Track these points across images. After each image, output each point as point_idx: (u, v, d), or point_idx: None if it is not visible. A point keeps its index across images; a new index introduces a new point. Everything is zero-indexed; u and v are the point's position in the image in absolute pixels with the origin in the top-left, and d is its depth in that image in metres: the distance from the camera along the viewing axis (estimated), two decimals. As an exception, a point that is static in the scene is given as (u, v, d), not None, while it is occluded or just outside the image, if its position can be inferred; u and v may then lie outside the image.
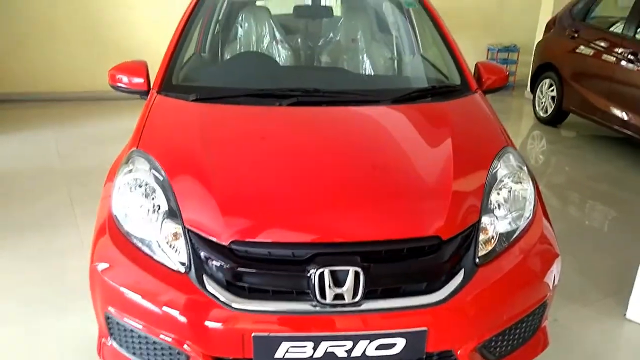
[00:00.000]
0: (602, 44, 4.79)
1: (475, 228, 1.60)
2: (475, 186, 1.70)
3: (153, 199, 1.64)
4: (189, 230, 1.54)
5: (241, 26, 3.10)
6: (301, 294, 1.46)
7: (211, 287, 1.48)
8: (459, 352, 1.54)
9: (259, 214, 1.56)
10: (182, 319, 1.48)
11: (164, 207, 1.61)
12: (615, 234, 3.35)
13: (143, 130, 1.94)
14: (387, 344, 1.47)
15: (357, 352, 1.46)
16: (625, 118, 4.47)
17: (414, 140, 1.97)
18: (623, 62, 4.48)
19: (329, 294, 1.43)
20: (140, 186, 1.68)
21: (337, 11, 3.49)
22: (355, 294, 1.43)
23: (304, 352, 1.45)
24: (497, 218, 1.66)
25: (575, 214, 3.74)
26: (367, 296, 1.45)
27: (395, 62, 2.97)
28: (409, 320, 1.48)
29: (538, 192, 1.86)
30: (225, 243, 1.48)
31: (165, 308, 1.50)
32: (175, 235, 1.56)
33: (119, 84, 2.32)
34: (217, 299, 1.46)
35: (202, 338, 1.49)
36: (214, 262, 1.49)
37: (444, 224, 1.55)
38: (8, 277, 2.69)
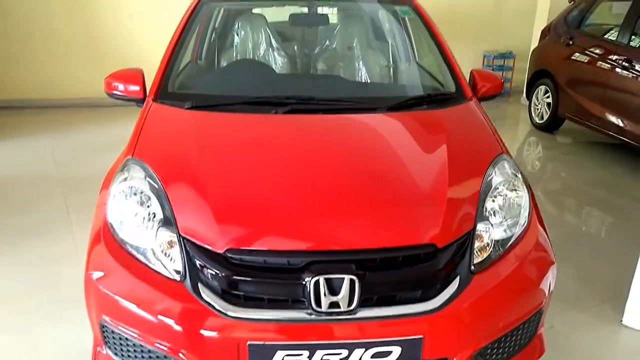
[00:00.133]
0: (597, 51, 4.83)
1: (471, 235, 1.61)
2: (470, 194, 1.70)
3: (148, 206, 1.64)
4: (184, 238, 1.54)
5: (237, 34, 3.11)
6: (296, 302, 1.46)
7: (206, 295, 1.47)
8: (454, 360, 1.54)
9: (254, 222, 1.56)
10: (177, 327, 1.48)
11: (159, 215, 1.61)
12: (611, 240, 3.36)
13: (139, 138, 1.95)
14: (383, 352, 1.46)
15: (352, 361, 1.45)
16: (621, 124, 4.49)
17: (409, 148, 1.97)
18: (617, 69, 4.51)
19: (325, 302, 1.43)
20: (135, 194, 1.68)
21: (334, 19, 3.51)
22: (350, 302, 1.43)
23: (300, 361, 1.45)
24: (492, 225, 1.66)
25: (572, 220, 3.75)
26: (363, 304, 1.45)
27: (391, 70, 2.98)
28: (405, 328, 1.47)
29: (533, 199, 1.86)
30: (221, 251, 1.48)
31: (160, 316, 1.49)
32: (170, 243, 1.56)
33: (115, 92, 2.32)
34: (213, 307, 1.46)
35: (198, 346, 1.48)
36: (209, 270, 1.49)
37: (439, 232, 1.55)
38: (3, 284, 2.68)
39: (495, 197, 1.73)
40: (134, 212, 1.64)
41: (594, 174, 4.51)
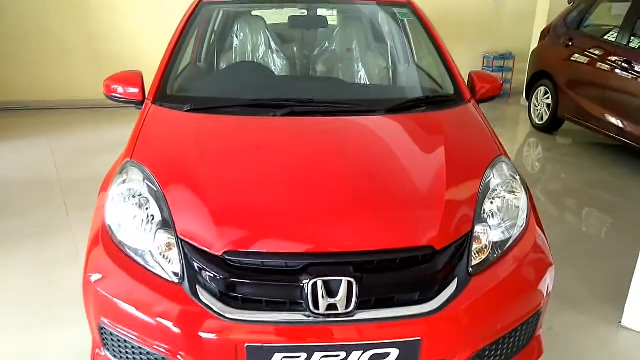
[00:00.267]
0: (596, 52, 4.83)
1: (469, 237, 1.61)
2: (468, 195, 1.71)
3: (147, 209, 1.65)
4: (182, 240, 1.54)
5: (237, 36, 3.11)
6: (294, 304, 1.46)
7: (204, 297, 1.48)
8: (452, 362, 1.54)
9: (252, 224, 1.57)
10: (176, 329, 1.48)
11: (158, 217, 1.62)
12: (611, 241, 3.36)
13: (137, 141, 1.95)
14: (381, 354, 1.46)
15: (350, 363, 1.46)
16: (620, 125, 4.49)
17: (407, 150, 1.97)
18: (617, 70, 4.51)
19: (322, 304, 1.43)
20: (134, 196, 1.69)
21: (333, 21, 3.52)
22: (348, 304, 1.44)
23: (298, 363, 1.45)
24: (490, 227, 1.67)
25: (572, 220, 3.75)
26: (360, 306, 1.45)
27: (390, 71, 2.98)
28: (403, 330, 1.47)
29: (531, 201, 1.86)
30: (219, 253, 1.48)
31: (158, 319, 1.49)
32: (169, 245, 1.56)
33: (114, 94, 2.33)
34: (211, 309, 1.46)
35: (196, 349, 1.48)
36: (208, 273, 1.49)
37: (437, 234, 1.56)
38: (3, 286, 2.68)
39: (493, 199, 1.74)
40: (132, 214, 1.65)
41: (594, 175, 4.51)
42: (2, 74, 6.13)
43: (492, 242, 1.65)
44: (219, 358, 1.48)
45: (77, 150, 4.86)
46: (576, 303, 2.59)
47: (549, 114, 5.50)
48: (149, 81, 2.30)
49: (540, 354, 1.81)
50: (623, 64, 4.45)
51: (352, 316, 1.45)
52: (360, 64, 2.91)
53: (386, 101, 2.31)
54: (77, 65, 6.29)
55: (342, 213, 1.61)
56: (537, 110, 5.72)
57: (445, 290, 1.52)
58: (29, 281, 2.72)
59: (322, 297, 1.43)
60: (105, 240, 1.66)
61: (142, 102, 2.27)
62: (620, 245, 3.22)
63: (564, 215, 3.81)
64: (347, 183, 1.73)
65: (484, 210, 1.70)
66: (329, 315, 1.44)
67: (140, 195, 1.68)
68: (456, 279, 1.54)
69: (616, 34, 4.73)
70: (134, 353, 1.59)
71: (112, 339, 1.61)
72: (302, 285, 1.43)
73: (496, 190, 1.76)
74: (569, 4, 5.59)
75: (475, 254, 1.60)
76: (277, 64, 3.07)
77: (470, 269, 1.57)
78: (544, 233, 1.84)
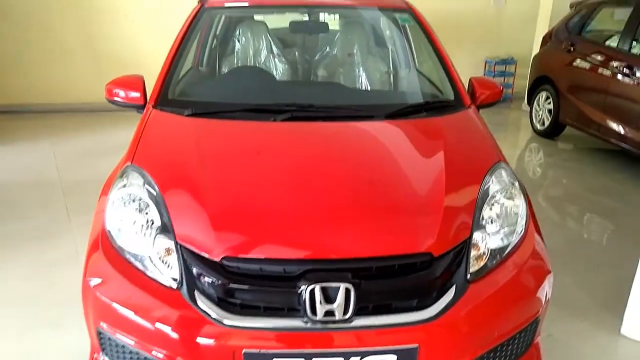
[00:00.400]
0: (598, 57, 4.83)
1: (467, 244, 1.61)
2: (467, 202, 1.71)
3: (147, 214, 1.65)
4: (181, 245, 1.55)
5: (238, 40, 3.13)
6: (292, 311, 1.46)
7: (202, 303, 1.48)
8: (450, 369, 1.54)
9: (251, 230, 1.57)
10: (174, 335, 1.48)
11: (157, 222, 1.62)
12: (612, 247, 3.35)
13: (138, 145, 1.96)
14: (378, 361, 1.46)
15: (348, 369, 1.46)
16: (621, 131, 4.48)
17: (407, 156, 1.98)
18: (619, 76, 4.51)
19: (320, 310, 1.43)
20: (134, 201, 1.69)
21: (334, 26, 3.53)
22: (346, 311, 1.44)
23: (295, 369, 1.45)
24: (488, 234, 1.67)
25: (573, 226, 3.74)
26: (358, 313, 1.45)
27: (391, 77, 2.99)
28: (400, 337, 1.47)
29: (530, 208, 1.86)
30: (217, 259, 1.49)
31: (156, 324, 1.50)
32: (168, 250, 1.57)
33: (116, 98, 2.34)
34: (209, 315, 1.46)
35: (194, 354, 1.48)
36: (206, 278, 1.50)
37: (436, 240, 1.56)
38: (4, 289, 2.69)
39: (492, 205, 1.74)
40: (132, 219, 1.65)
41: (595, 180, 4.50)
42: (6, 77, 6.17)
43: (491, 249, 1.65)
44: (216, 364, 1.48)
45: (78, 153, 4.88)
46: (576, 310, 2.58)
47: (550, 119, 5.49)
48: (150, 83, 2.31)
49: (539, 361, 1.81)
50: (624, 70, 4.45)
51: (350, 322, 1.45)
52: (361, 69, 2.92)
53: (386, 106, 2.31)
54: (81, 69, 6.33)
55: (340, 219, 1.61)
56: (539, 115, 5.72)
57: (443, 297, 1.52)
58: (30, 283, 2.73)
59: (320, 303, 1.43)
60: (104, 245, 1.67)
61: (143, 107, 2.28)
62: (621, 251, 3.21)
63: (565, 220, 3.80)
64: (345, 189, 1.73)
65: (483, 216, 1.70)
66: (326, 322, 1.44)
67: (140, 200, 1.68)
68: (454, 286, 1.54)
69: (618, 39, 4.72)
70: (131, 358, 1.59)
71: (110, 344, 1.61)
72: (299, 291, 1.43)
73: (495, 196, 1.76)
74: (571, 9, 5.60)
75: (473, 261, 1.60)
76: (279, 69, 3.08)
77: (469, 275, 1.57)
78: (542, 240, 1.84)
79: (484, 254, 1.63)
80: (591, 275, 2.92)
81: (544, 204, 3.98)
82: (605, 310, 2.58)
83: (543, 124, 5.65)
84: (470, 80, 2.50)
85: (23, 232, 3.30)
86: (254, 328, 1.46)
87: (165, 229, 1.60)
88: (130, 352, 1.58)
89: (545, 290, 1.71)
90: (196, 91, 2.62)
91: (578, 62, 5.05)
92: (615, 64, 4.57)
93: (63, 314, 2.44)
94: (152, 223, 1.63)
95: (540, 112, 5.68)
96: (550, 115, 5.49)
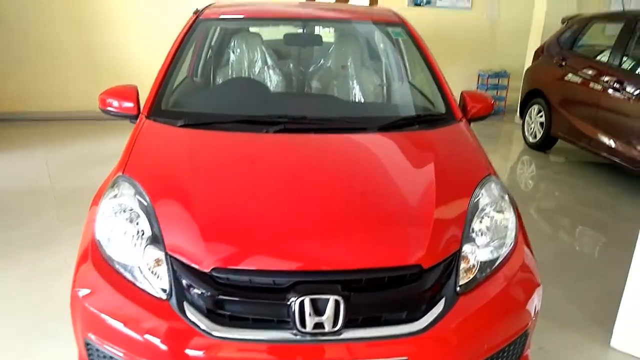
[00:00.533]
0: (589, 72, 4.89)
1: (457, 256, 1.62)
2: (456, 214, 1.72)
3: (137, 224, 1.65)
4: (171, 256, 1.54)
5: (233, 52, 3.15)
6: (282, 323, 1.46)
7: (192, 314, 1.47)
8: (439, 382, 1.54)
9: (241, 242, 1.57)
10: (163, 346, 1.47)
11: (148, 232, 1.62)
12: (604, 260, 3.36)
13: (130, 155, 1.96)
14: (368, 373, 1.46)
15: (337, 382, 1.45)
16: (612, 145, 4.53)
17: (397, 168, 1.99)
18: (609, 90, 4.57)
19: (309, 322, 1.43)
20: (124, 211, 1.69)
21: (328, 38, 3.56)
22: (335, 323, 1.44)
23: (284, 381, 1.44)
24: (478, 247, 1.68)
25: (565, 239, 3.76)
26: (348, 325, 1.45)
27: (384, 89, 3.01)
28: (390, 349, 1.47)
29: (520, 221, 1.88)
30: (207, 270, 1.49)
31: (145, 335, 1.49)
32: (158, 261, 1.56)
33: (109, 108, 2.34)
34: (198, 326, 1.46)
35: (182, 366, 1.47)
36: (195, 289, 1.49)
37: (425, 253, 1.56)
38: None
39: (482, 218, 1.75)
40: (122, 229, 1.65)
41: (587, 193, 4.53)
42: (1, 85, 6.16)
43: (480, 262, 1.66)
44: (205, 376, 1.47)
45: (73, 161, 4.87)
46: (567, 322, 2.59)
47: (542, 132, 5.55)
48: (145, 93, 2.32)
49: (529, 374, 1.81)
50: (615, 84, 4.51)
51: (339, 335, 1.45)
52: (354, 82, 2.94)
53: (378, 119, 2.33)
54: (75, 78, 6.34)
55: (330, 231, 1.61)
56: (531, 128, 5.77)
57: (433, 309, 1.53)
58: (24, 294, 2.69)
59: (309, 315, 1.43)
60: (94, 255, 1.66)
61: (137, 117, 2.28)
62: (612, 264, 3.23)
63: (556, 233, 3.82)
64: (336, 201, 1.74)
65: (473, 229, 1.71)
66: (316, 334, 1.44)
67: (131, 210, 1.68)
68: (444, 299, 1.55)
69: (608, 54, 4.79)
70: (120, 370, 1.58)
71: (98, 355, 1.60)
72: (289, 303, 1.44)
73: (485, 209, 1.77)
74: (563, 24, 5.68)
75: (463, 274, 1.61)
76: (273, 80, 3.10)
77: (458, 288, 1.58)
78: (532, 253, 1.85)
79: (473, 266, 1.64)
80: (582, 288, 2.93)
81: (536, 216, 4.01)
82: (596, 323, 2.59)
83: (535, 136, 5.70)
84: (461, 94, 2.52)
85: (15, 240, 3.27)
86: (243, 340, 1.45)
87: (156, 240, 1.59)
88: (118, 364, 1.57)
89: (535, 303, 1.72)
90: (189, 102, 2.62)
91: (569, 76, 5.11)
92: (606, 78, 4.63)
93: (58, 325, 2.36)
94: (143, 233, 1.63)
95: (533, 125, 5.73)
96: (542, 128, 5.55)
